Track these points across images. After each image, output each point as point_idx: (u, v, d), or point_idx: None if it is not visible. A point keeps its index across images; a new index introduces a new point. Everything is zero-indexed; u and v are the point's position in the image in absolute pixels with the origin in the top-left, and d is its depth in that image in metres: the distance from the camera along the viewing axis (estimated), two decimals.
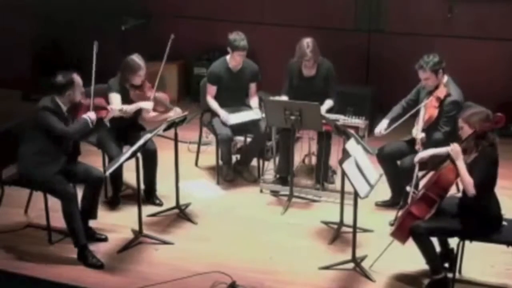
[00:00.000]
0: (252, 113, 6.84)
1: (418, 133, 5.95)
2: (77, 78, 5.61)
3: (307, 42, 6.54)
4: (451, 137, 5.75)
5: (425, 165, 5.58)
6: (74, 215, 5.52)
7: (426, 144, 5.87)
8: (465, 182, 4.94)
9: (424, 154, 5.49)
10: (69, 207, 5.50)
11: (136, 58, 6.32)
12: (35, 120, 5.55)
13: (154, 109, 6.44)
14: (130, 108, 6.24)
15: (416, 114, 6.12)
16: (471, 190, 4.90)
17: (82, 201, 5.78)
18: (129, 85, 6.35)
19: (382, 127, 6.24)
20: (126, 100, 6.34)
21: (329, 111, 6.59)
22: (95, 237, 5.82)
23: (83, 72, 8.80)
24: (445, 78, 6.07)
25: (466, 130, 5.03)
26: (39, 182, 5.57)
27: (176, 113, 6.42)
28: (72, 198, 5.55)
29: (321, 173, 6.65)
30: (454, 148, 4.99)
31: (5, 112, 6.41)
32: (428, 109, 6.01)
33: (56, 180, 5.53)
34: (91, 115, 5.60)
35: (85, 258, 5.51)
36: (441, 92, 6.00)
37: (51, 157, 5.54)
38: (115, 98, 6.28)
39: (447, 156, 5.05)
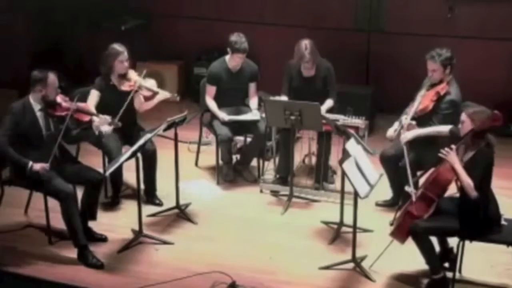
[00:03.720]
0: (251, 114, 6.84)
1: (407, 119, 5.87)
2: (51, 77, 5.56)
3: (305, 44, 6.53)
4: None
5: (421, 163, 5.59)
6: (73, 215, 5.51)
7: (418, 141, 5.86)
8: (465, 185, 4.92)
9: (409, 135, 5.49)
10: (68, 208, 5.49)
11: (116, 45, 6.34)
12: None
13: (143, 97, 6.45)
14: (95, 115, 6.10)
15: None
16: (473, 192, 4.88)
17: (81, 202, 5.78)
18: (115, 76, 6.35)
19: (392, 129, 6.05)
20: (116, 93, 6.33)
21: (329, 111, 6.58)
22: (95, 237, 5.81)
23: (83, 71, 8.83)
24: (450, 76, 6.06)
25: (466, 126, 5.02)
26: (31, 181, 5.56)
27: (163, 95, 6.47)
28: (70, 199, 5.54)
29: (321, 173, 6.65)
30: (448, 154, 4.98)
31: (5, 112, 6.41)
32: (424, 100, 5.97)
33: (54, 181, 5.51)
34: (35, 166, 5.42)
35: (86, 258, 5.51)
36: (442, 88, 5.98)
37: (31, 158, 5.50)
38: (92, 95, 6.31)
39: (443, 158, 5.05)
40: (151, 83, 6.49)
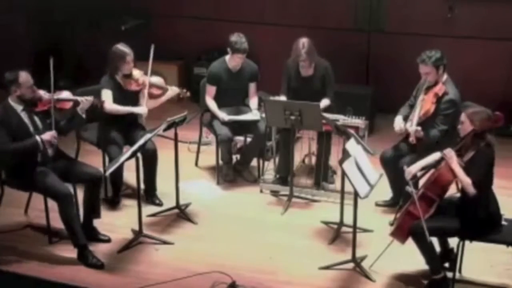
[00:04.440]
0: (251, 114, 6.84)
1: (412, 126, 5.93)
2: (23, 75, 5.52)
3: (302, 42, 6.54)
4: (447, 135, 5.77)
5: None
6: (71, 215, 5.51)
7: (423, 141, 5.86)
8: (464, 184, 4.94)
9: (414, 169, 5.41)
10: (66, 208, 5.48)
11: (121, 46, 6.33)
12: None
13: (151, 94, 6.45)
14: (123, 110, 6.29)
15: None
16: (471, 190, 4.90)
17: (84, 202, 5.78)
18: (120, 76, 6.35)
19: (400, 122, 6.12)
20: (121, 92, 6.34)
21: (326, 110, 6.56)
22: (98, 238, 5.81)
23: (83, 71, 8.82)
24: (444, 77, 6.07)
25: (466, 126, 5.03)
26: (28, 186, 5.58)
27: (173, 91, 6.49)
28: (68, 199, 5.53)
29: (321, 173, 6.65)
30: (447, 154, 5.00)
31: None
32: (424, 104, 6.00)
33: (52, 182, 5.51)
34: (44, 136, 5.45)
35: (86, 258, 5.51)
36: (439, 89, 6.00)
37: (26, 157, 5.51)
38: (106, 95, 6.30)
39: (443, 158, 5.05)
40: (159, 81, 6.50)
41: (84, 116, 5.76)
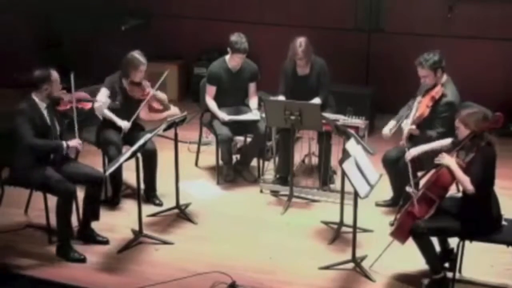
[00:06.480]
0: (251, 114, 6.84)
1: (406, 126, 5.94)
2: (54, 74, 5.58)
3: (300, 41, 6.55)
4: (444, 137, 5.76)
5: (422, 164, 5.59)
6: (67, 212, 5.52)
7: (419, 142, 5.87)
8: (461, 181, 4.94)
9: (415, 151, 5.49)
10: (64, 203, 5.49)
11: (137, 55, 6.34)
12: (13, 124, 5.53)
13: (151, 107, 6.46)
14: (108, 115, 6.27)
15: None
16: (469, 187, 4.90)
17: (84, 204, 5.77)
18: (128, 82, 6.35)
19: (388, 128, 6.14)
20: (124, 97, 6.35)
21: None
22: (96, 239, 5.80)
23: (83, 71, 8.81)
24: (444, 78, 6.06)
25: (462, 131, 5.04)
26: (33, 182, 5.59)
27: (172, 112, 6.46)
28: (70, 196, 5.53)
29: (322, 174, 6.64)
30: (443, 158, 5.01)
31: (6, 112, 6.45)
32: (420, 107, 6.00)
33: (56, 178, 5.51)
34: (71, 142, 5.52)
35: (67, 254, 5.53)
36: (436, 92, 5.98)
37: (37, 157, 5.53)
38: (102, 92, 6.31)
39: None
40: (163, 97, 6.49)
41: (101, 118, 5.88)
